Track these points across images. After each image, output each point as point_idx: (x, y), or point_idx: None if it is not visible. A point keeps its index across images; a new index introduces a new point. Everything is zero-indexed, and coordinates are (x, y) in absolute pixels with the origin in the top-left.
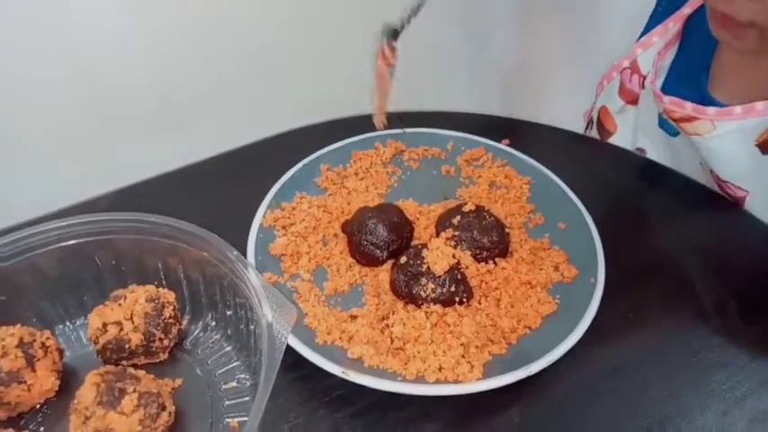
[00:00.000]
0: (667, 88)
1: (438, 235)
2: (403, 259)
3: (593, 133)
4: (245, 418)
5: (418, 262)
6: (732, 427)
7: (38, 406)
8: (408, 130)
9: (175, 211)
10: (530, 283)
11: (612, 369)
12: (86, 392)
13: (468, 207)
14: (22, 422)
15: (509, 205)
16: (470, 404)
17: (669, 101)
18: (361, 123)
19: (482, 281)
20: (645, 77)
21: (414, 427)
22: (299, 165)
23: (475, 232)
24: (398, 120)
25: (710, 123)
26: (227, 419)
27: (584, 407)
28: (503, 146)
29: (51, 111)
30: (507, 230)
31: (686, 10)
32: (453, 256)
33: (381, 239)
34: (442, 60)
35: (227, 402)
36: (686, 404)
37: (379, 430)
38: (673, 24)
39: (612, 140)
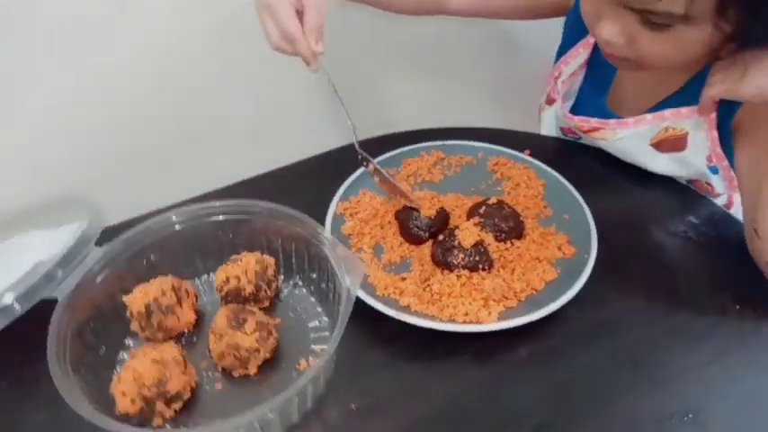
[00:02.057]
0: (578, 107)
1: (468, 220)
2: (440, 237)
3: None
4: (326, 346)
5: (451, 239)
6: (691, 353)
7: (184, 331)
8: (449, 142)
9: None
10: (538, 258)
11: (600, 323)
12: (220, 320)
13: (492, 200)
14: (173, 341)
15: (527, 201)
16: (490, 342)
17: (579, 119)
18: (411, 136)
19: (501, 255)
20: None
21: (448, 357)
22: (362, 168)
23: (496, 219)
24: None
25: (612, 131)
26: (312, 347)
27: (576, 349)
28: (525, 155)
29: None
30: (522, 219)
31: (591, 39)
32: (478, 235)
33: (424, 224)
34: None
35: (312, 335)
36: (659, 347)
37: (422, 359)
38: (582, 50)
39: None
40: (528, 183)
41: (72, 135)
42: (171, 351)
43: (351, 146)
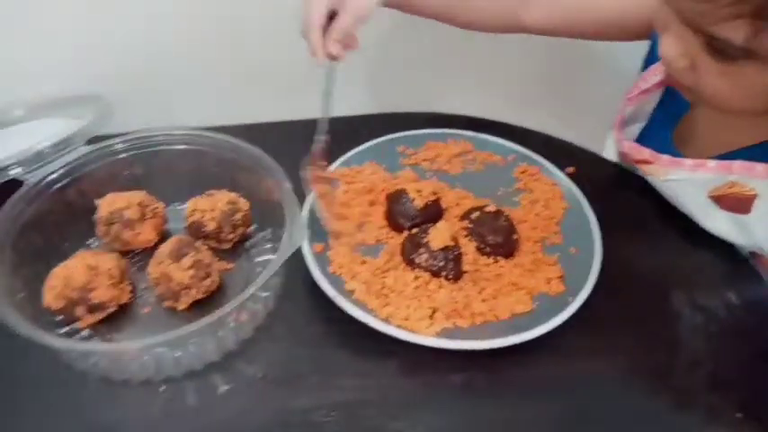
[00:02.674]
0: (645, 136)
1: (464, 219)
2: (415, 230)
3: None
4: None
5: (422, 235)
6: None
7: (142, 249)
8: (482, 135)
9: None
10: (516, 285)
11: (552, 379)
12: (165, 246)
13: (490, 208)
14: (129, 256)
15: (539, 221)
16: (422, 357)
17: (628, 145)
18: (438, 118)
19: (477, 269)
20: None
21: (372, 357)
22: (379, 140)
23: (484, 229)
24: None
25: (664, 169)
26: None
27: (521, 393)
28: (557, 170)
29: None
30: (516, 237)
31: None
32: (451, 239)
33: (410, 212)
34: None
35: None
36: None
37: (347, 349)
38: (661, 69)
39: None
40: (547, 202)
41: (103, 35)
42: (109, 262)
43: (371, 116)
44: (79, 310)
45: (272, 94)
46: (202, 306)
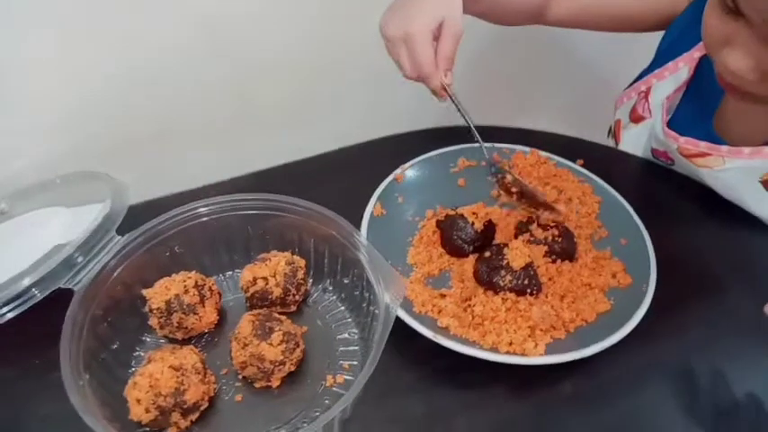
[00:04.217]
0: (674, 125)
1: (516, 237)
2: (487, 254)
3: (611, 140)
4: (354, 362)
5: (499, 257)
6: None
7: (204, 332)
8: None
9: (298, 195)
10: (590, 285)
11: (654, 364)
12: (245, 326)
13: (544, 216)
14: (192, 342)
15: (580, 219)
16: (531, 375)
17: (684, 140)
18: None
19: (550, 279)
20: (650, 110)
21: (484, 387)
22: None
23: (548, 237)
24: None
25: (721, 159)
26: (340, 362)
27: (625, 391)
28: (580, 167)
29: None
30: (575, 240)
31: (696, 54)
32: (528, 256)
33: (469, 236)
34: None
35: (340, 348)
36: (717, 394)
37: (456, 385)
38: (683, 64)
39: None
40: (581, 199)
41: (97, 103)
42: (191, 357)
43: (390, 138)
44: (174, 416)
45: (274, 135)
46: (290, 378)
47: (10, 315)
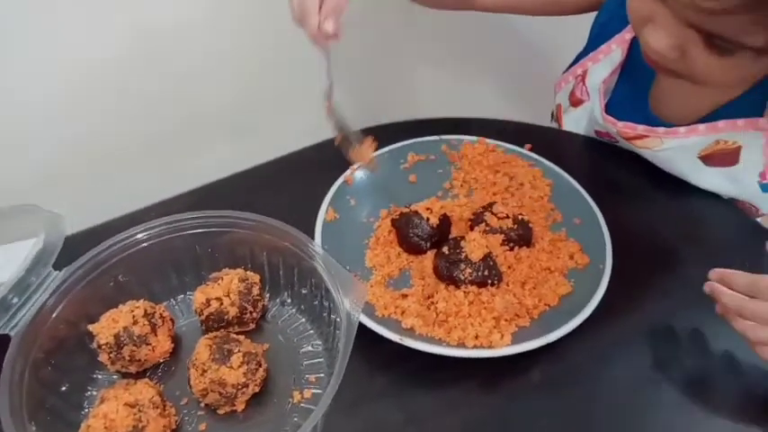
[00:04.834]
0: (611, 108)
1: (472, 229)
2: (444, 249)
3: (554, 124)
4: (321, 374)
5: (457, 251)
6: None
7: (159, 362)
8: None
9: (245, 207)
10: (549, 269)
11: (618, 342)
12: (202, 351)
13: (497, 205)
14: (147, 374)
15: (534, 203)
16: (500, 366)
17: (623, 125)
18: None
19: (510, 267)
20: (588, 93)
21: (455, 384)
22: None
23: (503, 225)
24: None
25: (659, 140)
26: (306, 376)
27: (593, 369)
28: (529, 152)
29: (137, 122)
30: (531, 225)
31: (627, 35)
32: (486, 247)
33: (426, 233)
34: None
35: (305, 362)
36: (682, 369)
37: (428, 386)
38: (616, 46)
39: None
40: (533, 183)
41: (21, 131)
42: (147, 391)
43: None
44: None
45: (215, 149)
46: (255, 399)
47: None
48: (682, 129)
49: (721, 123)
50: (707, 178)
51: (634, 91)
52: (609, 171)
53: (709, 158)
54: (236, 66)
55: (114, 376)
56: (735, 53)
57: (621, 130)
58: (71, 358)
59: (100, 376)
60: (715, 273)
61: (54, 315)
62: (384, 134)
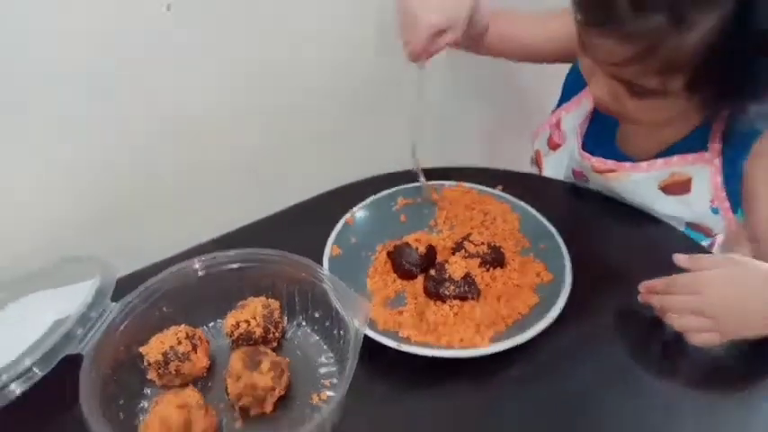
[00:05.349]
0: (587, 146)
1: (454, 254)
2: (432, 271)
3: (534, 168)
4: (334, 380)
5: (442, 272)
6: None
7: (198, 377)
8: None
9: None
10: (519, 285)
11: (581, 339)
12: (236, 362)
13: (475, 235)
14: (189, 387)
15: (504, 233)
16: (484, 365)
17: (596, 160)
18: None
19: (487, 285)
20: (563, 138)
21: (446, 382)
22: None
23: (480, 251)
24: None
25: (627, 173)
26: (322, 381)
27: (563, 364)
28: (501, 192)
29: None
30: (503, 250)
31: None
32: (466, 267)
33: (415, 260)
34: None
35: (320, 370)
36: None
37: (423, 386)
38: (586, 100)
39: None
40: (503, 217)
41: (68, 192)
42: (193, 396)
43: (338, 189)
44: None
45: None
46: (281, 403)
47: (18, 391)
48: (644, 164)
49: (675, 158)
50: (667, 205)
51: (604, 132)
52: (571, 205)
53: (668, 188)
54: (247, 124)
55: (160, 390)
56: (648, 96)
57: (595, 164)
58: (126, 376)
59: (149, 391)
60: (642, 286)
61: (115, 337)
62: (381, 182)
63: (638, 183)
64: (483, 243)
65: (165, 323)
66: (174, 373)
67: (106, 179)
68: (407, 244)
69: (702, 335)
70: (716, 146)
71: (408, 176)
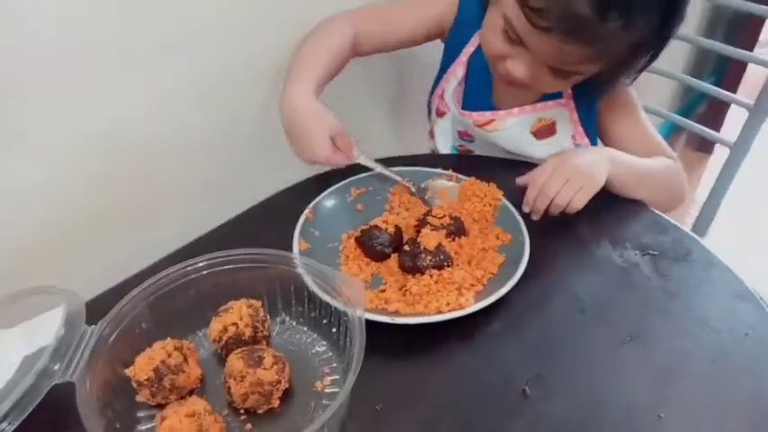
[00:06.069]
0: (466, 108)
1: (419, 231)
2: (405, 247)
3: (432, 142)
4: (334, 365)
5: (416, 246)
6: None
7: (193, 388)
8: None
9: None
10: (484, 248)
11: (550, 285)
12: (235, 363)
13: (435, 210)
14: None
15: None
16: (469, 324)
17: (477, 114)
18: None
19: (456, 252)
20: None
21: (439, 346)
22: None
23: (443, 222)
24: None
25: (503, 121)
26: (322, 368)
27: (537, 310)
28: (444, 171)
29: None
30: (463, 220)
31: (463, 58)
32: (437, 238)
33: (386, 241)
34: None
35: (317, 359)
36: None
37: (418, 354)
38: (460, 69)
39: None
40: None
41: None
42: (199, 403)
43: (292, 188)
44: None
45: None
46: (285, 396)
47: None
48: (515, 109)
49: (539, 105)
50: (539, 149)
51: (478, 93)
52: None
53: (539, 133)
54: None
55: (154, 412)
56: (570, 77)
57: (476, 118)
58: (117, 401)
59: (142, 414)
60: (519, 179)
61: (97, 364)
62: (327, 179)
63: (513, 129)
64: (444, 215)
65: (146, 341)
66: (168, 388)
67: (60, 206)
68: (377, 227)
69: (579, 195)
70: (568, 92)
71: (358, 168)
